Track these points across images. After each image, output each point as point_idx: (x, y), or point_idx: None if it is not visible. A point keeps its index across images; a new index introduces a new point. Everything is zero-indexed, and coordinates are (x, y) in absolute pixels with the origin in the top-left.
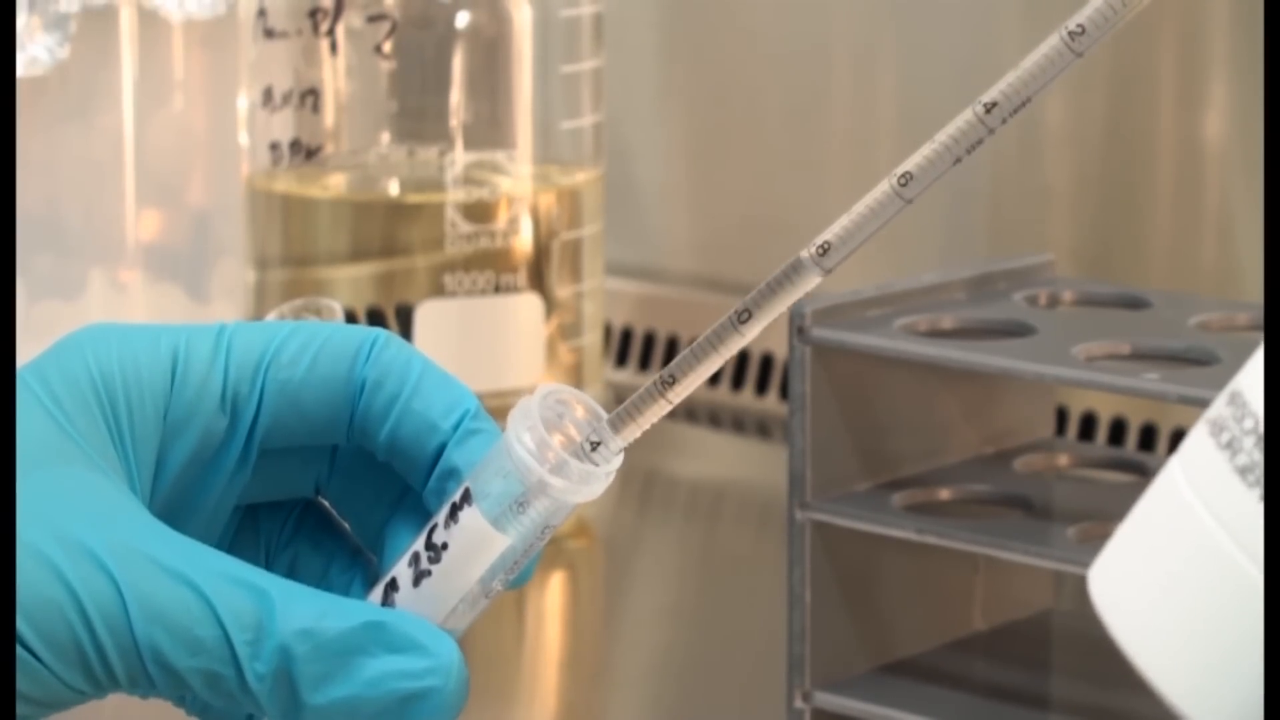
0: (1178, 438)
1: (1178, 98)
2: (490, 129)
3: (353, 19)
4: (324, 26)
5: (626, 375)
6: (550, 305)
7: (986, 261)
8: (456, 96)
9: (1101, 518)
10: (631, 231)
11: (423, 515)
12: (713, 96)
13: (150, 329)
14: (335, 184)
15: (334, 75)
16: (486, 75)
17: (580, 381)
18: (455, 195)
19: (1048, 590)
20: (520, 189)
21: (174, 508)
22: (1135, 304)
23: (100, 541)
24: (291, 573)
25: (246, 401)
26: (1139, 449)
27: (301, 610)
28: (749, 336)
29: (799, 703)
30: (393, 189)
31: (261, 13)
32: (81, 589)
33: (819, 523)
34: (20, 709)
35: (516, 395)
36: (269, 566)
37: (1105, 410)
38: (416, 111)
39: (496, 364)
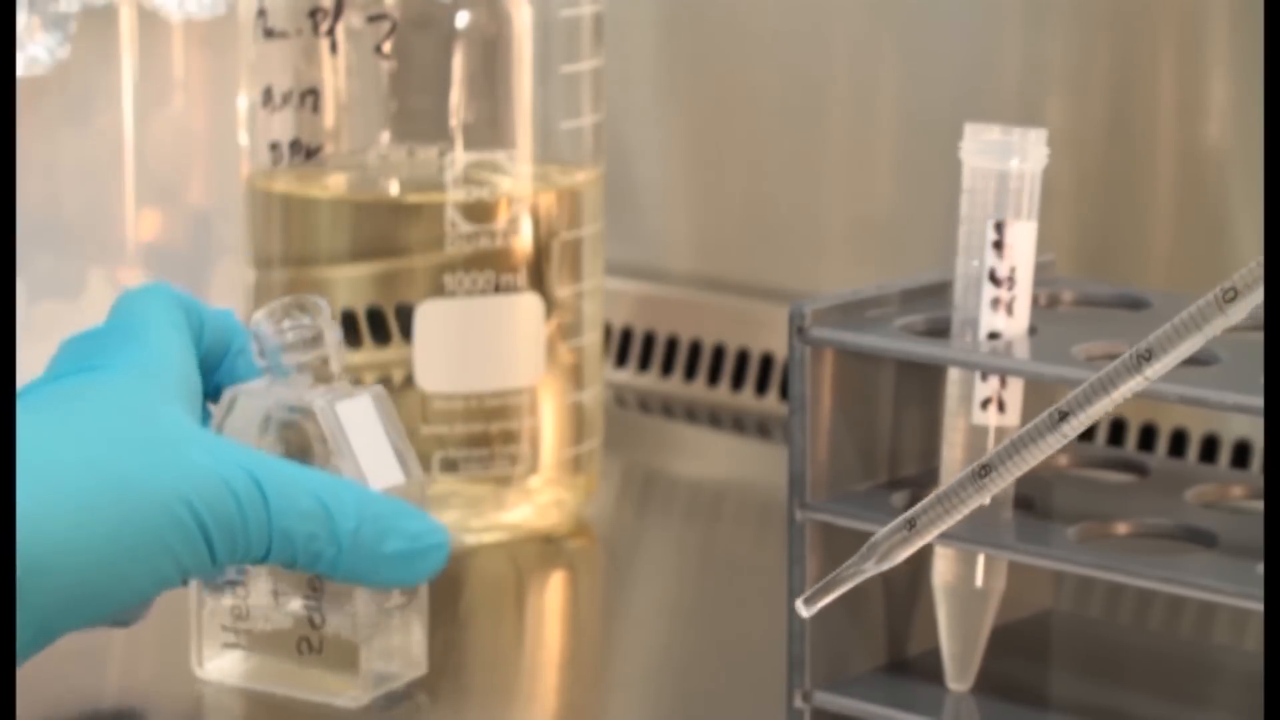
0: (1178, 438)
1: (1178, 98)
2: (490, 129)
3: (353, 19)
4: (324, 26)
5: (626, 375)
6: (550, 305)
7: None
8: (456, 96)
9: (1101, 518)
10: (631, 231)
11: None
12: (713, 96)
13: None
14: (335, 184)
15: (334, 75)
16: (486, 75)
17: (580, 381)
18: (455, 195)
19: (1048, 590)
20: (520, 189)
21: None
22: (1135, 304)
23: (247, 459)
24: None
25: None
26: (1139, 449)
27: (354, 495)
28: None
29: (799, 703)
30: (393, 189)
31: (261, 13)
32: (241, 490)
33: (819, 523)
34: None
35: (517, 395)
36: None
37: None
38: (416, 111)
39: (497, 364)
